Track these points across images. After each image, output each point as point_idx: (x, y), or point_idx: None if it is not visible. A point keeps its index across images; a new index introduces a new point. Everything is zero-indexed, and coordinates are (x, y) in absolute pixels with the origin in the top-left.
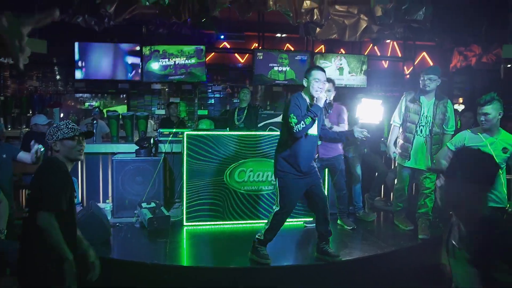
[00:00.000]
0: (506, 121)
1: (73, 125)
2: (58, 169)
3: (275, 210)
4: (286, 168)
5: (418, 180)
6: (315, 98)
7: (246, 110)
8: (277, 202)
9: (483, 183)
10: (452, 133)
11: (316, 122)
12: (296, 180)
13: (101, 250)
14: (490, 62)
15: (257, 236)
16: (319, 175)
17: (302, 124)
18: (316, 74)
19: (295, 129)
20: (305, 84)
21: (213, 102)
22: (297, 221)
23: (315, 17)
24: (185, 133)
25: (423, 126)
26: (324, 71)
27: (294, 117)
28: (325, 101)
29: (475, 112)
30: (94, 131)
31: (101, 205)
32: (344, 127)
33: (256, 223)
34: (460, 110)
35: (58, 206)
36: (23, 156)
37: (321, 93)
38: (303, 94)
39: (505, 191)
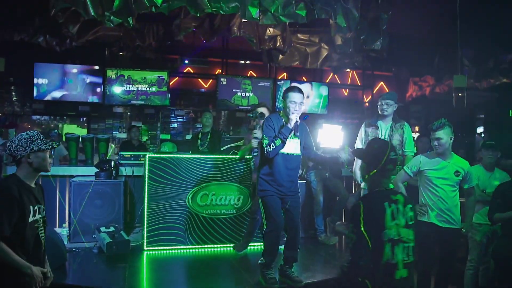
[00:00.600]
0: (458, 147)
1: (43, 137)
2: (2, 192)
3: (264, 230)
4: (265, 187)
5: None
6: (292, 118)
7: (209, 135)
8: (264, 221)
9: None
10: (412, 154)
11: (296, 141)
12: (275, 198)
13: (56, 275)
14: (443, 92)
15: (259, 261)
16: (299, 201)
17: (272, 146)
18: (293, 96)
19: (265, 150)
20: (281, 105)
21: (176, 126)
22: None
23: (278, 44)
24: (147, 155)
25: None
26: (301, 92)
27: (266, 139)
28: (296, 122)
29: (430, 138)
30: (52, 153)
31: (57, 229)
32: None
33: (219, 247)
34: (416, 137)
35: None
36: None
37: (297, 115)
38: (280, 114)
39: (459, 213)
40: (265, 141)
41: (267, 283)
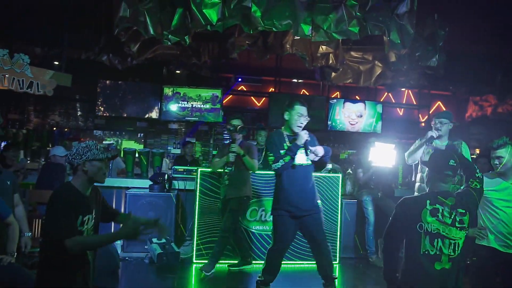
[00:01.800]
0: None
1: (101, 147)
2: (65, 198)
3: (269, 247)
4: (277, 205)
5: None
6: (297, 134)
7: (264, 151)
8: (272, 240)
9: None
10: None
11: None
12: (286, 218)
13: (108, 280)
14: (506, 112)
15: (258, 278)
16: (321, 219)
17: (281, 162)
18: (299, 109)
19: (273, 167)
20: (286, 117)
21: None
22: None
23: (330, 62)
24: (199, 169)
25: None
26: (306, 106)
27: (271, 155)
28: (306, 140)
29: (489, 158)
30: (110, 166)
31: None
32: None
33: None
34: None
35: (69, 235)
36: None
37: (302, 128)
38: (282, 130)
39: None
40: (271, 158)
41: None
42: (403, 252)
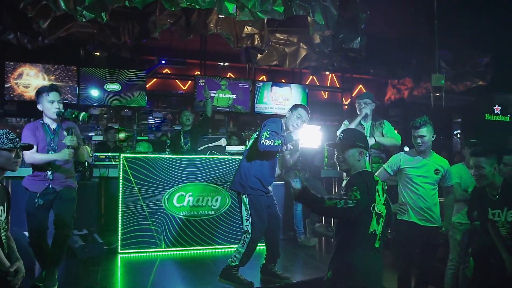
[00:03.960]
0: (437, 150)
1: (12, 136)
2: None
3: (249, 231)
4: (257, 185)
5: None
6: (291, 131)
7: (191, 133)
8: (249, 222)
9: None
10: (399, 141)
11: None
12: (264, 197)
13: (24, 279)
14: (421, 95)
15: (231, 262)
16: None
17: (271, 142)
18: (301, 112)
19: (262, 141)
20: (287, 115)
21: (153, 128)
22: None
23: (256, 43)
24: (122, 155)
25: None
26: (309, 113)
27: (268, 133)
28: (297, 140)
29: (406, 140)
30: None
31: (26, 232)
32: None
33: (196, 249)
34: None
35: None
36: None
37: (297, 129)
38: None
39: (439, 211)
40: (266, 134)
41: (242, 284)
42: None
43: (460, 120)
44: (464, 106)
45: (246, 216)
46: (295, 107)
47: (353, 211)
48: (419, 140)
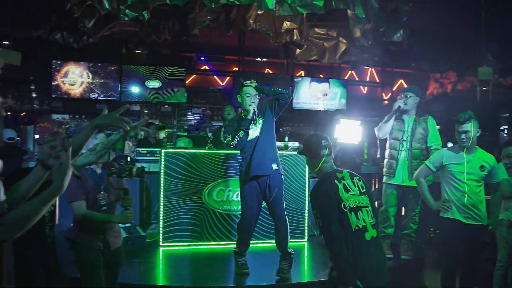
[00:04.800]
0: (483, 146)
1: None
2: None
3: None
4: (242, 176)
5: (406, 200)
6: (250, 110)
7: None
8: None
9: None
10: (437, 148)
11: (257, 127)
12: (248, 185)
13: (72, 269)
14: (465, 89)
15: (233, 249)
16: (281, 189)
17: (237, 138)
18: (247, 89)
19: (231, 144)
20: (239, 99)
21: (192, 124)
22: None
23: (295, 38)
24: (163, 150)
25: (405, 141)
26: (254, 85)
27: (228, 135)
28: (253, 112)
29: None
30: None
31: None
32: None
33: (235, 244)
34: None
35: None
36: None
37: (254, 106)
38: (242, 114)
39: (485, 209)
40: (228, 138)
41: (239, 268)
42: None
43: (507, 115)
44: None
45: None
46: (240, 89)
47: (337, 236)
48: (463, 136)
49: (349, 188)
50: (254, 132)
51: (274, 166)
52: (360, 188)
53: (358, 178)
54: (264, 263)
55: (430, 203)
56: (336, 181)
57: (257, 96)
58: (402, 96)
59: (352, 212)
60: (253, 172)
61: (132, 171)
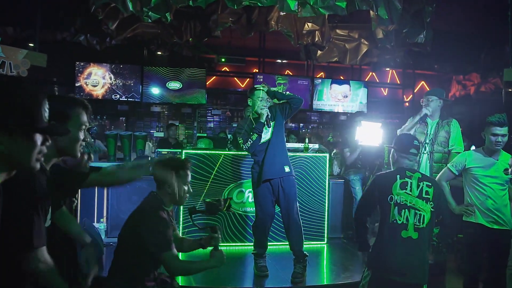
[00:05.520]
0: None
1: None
2: None
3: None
4: (254, 179)
5: None
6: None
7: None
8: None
9: None
10: (459, 151)
11: (268, 130)
12: (262, 187)
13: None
14: (489, 91)
15: (252, 251)
16: (295, 190)
17: (250, 141)
18: (259, 93)
19: (244, 147)
20: (249, 103)
21: (212, 125)
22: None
23: (316, 39)
24: (183, 151)
25: (427, 144)
26: (266, 89)
27: (240, 139)
28: (267, 115)
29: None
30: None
31: (95, 224)
32: None
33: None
34: None
35: None
36: None
37: (267, 109)
38: (249, 115)
39: (509, 213)
40: (240, 141)
41: (258, 270)
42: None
43: None
44: None
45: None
46: (252, 92)
47: (361, 204)
48: (499, 139)
49: (408, 187)
50: (265, 135)
51: (287, 169)
52: (424, 192)
53: (429, 184)
54: (282, 265)
55: (452, 207)
56: (399, 175)
57: (269, 100)
58: (424, 99)
59: (396, 207)
60: (266, 176)
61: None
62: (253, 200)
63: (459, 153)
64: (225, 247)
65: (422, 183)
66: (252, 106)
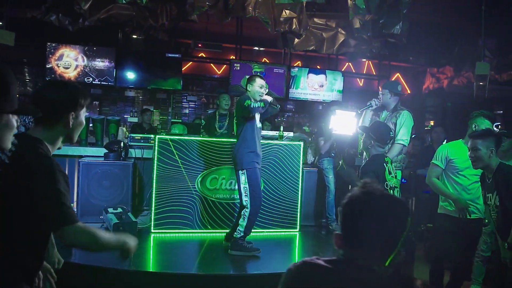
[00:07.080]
0: None
1: None
2: None
3: (248, 205)
4: (254, 158)
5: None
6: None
7: (227, 117)
8: (247, 196)
9: None
10: (403, 143)
11: (258, 117)
12: (257, 173)
13: (62, 253)
14: (462, 85)
15: (236, 235)
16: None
17: (256, 104)
18: (260, 81)
19: (251, 105)
20: (249, 89)
21: (187, 112)
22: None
23: (293, 27)
24: (157, 136)
25: None
26: (264, 79)
27: (248, 101)
28: (270, 101)
29: (445, 127)
30: None
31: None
32: None
33: (227, 232)
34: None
35: None
36: None
37: (263, 97)
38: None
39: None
40: (248, 102)
41: (250, 250)
42: None
43: (501, 111)
44: (507, 97)
45: (245, 192)
46: (253, 79)
47: None
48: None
49: (391, 171)
50: (258, 123)
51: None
52: (393, 171)
53: (392, 163)
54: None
55: (453, 198)
56: (384, 164)
57: (266, 89)
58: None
59: (391, 191)
60: (259, 160)
61: None
62: (226, 187)
63: (400, 144)
64: (198, 233)
65: (392, 164)
66: (251, 92)
